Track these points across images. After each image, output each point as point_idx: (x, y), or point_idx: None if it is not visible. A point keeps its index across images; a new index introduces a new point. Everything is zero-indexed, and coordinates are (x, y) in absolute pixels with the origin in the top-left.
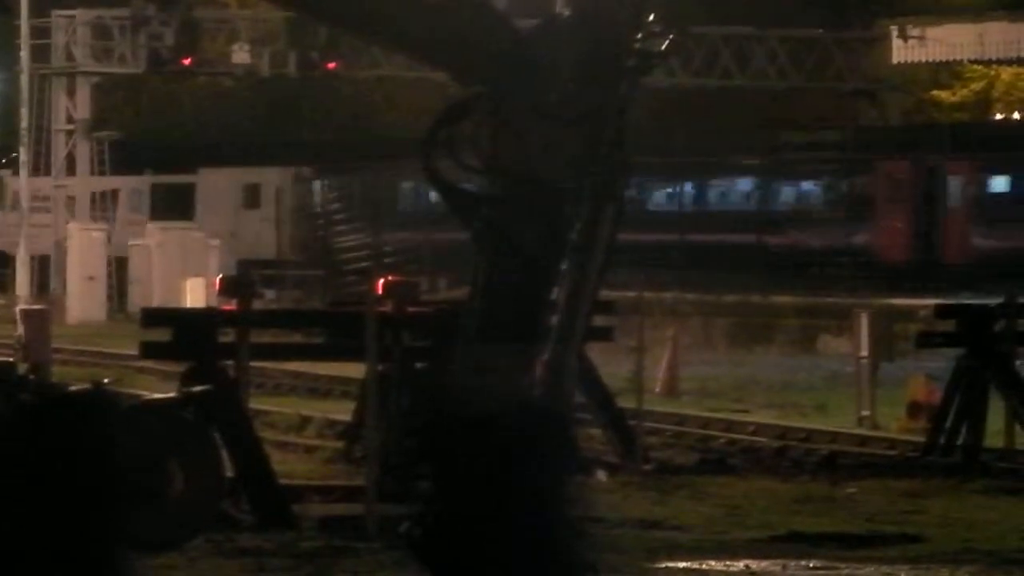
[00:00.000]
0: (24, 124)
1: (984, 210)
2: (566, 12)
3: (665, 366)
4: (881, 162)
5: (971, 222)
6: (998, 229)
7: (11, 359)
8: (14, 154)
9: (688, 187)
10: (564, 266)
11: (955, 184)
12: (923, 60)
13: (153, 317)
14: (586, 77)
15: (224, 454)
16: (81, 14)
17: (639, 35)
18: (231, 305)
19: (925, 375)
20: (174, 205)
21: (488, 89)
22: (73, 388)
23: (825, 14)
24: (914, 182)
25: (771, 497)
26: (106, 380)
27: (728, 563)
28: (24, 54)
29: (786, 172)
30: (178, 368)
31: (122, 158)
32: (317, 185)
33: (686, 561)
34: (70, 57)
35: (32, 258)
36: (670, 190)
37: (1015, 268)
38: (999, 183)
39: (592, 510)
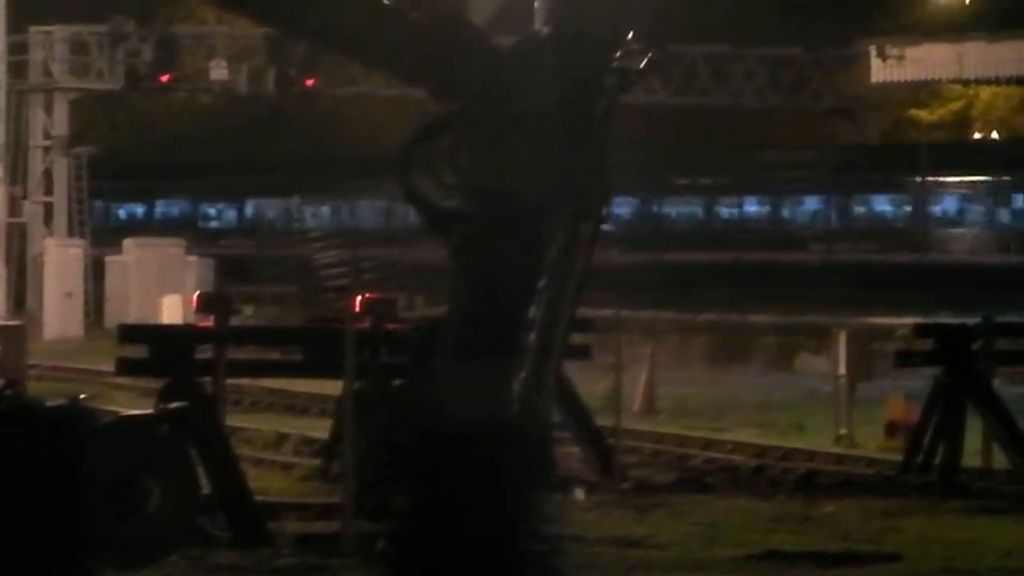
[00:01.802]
0: (1, 140)
1: None
2: (545, 30)
3: (643, 384)
4: None
5: None
6: None
7: None
8: None
9: None
10: (542, 284)
11: None
12: (902, 79)
13: (130, 333)
14: (565, 95)
15: (201, 471)
16: (59, 30)
17: (618, 53)
18: (208, 322)
19: (903, 394)
20: None
21: (467, 106)
22: (49, 403)
23: (804, 33)
24: None
25: (748, 515)
26: (82, 396)
27: None
28: (1, 70)
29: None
30: (155, 385)
31: (99, 174)
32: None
33: None
34: (48, 73)
35: (9, 273)
36: None
37: None
38: None
39: (570, 528)
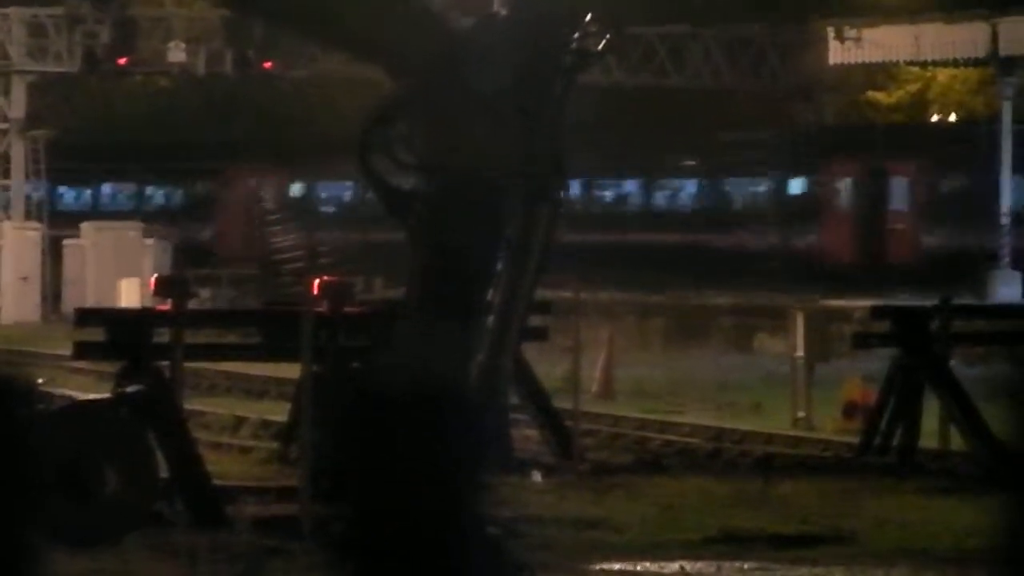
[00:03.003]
0: None
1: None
2: (503, 11)
3: (601, 366)
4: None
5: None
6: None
7: None
8: None
9: None
10: (500, 266)
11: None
12: (859, 61)
13: (87, 317)
14: (522, 74)
15: (158, 454)
16: (16, 12)
17: (576, 34)
18: (166, 305)
19: (861, 376)
20: None
21: (424, 86)
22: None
23: (762, 14)
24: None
25: (706, 497)
26: (40, 380)
27: (662, 563)
28: None
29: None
30: (113, 368)
31: (57, 157)
32: None
33: (621, 561)
34: (5, 55)
35: None
36: None
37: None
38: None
39: (527, 510)
